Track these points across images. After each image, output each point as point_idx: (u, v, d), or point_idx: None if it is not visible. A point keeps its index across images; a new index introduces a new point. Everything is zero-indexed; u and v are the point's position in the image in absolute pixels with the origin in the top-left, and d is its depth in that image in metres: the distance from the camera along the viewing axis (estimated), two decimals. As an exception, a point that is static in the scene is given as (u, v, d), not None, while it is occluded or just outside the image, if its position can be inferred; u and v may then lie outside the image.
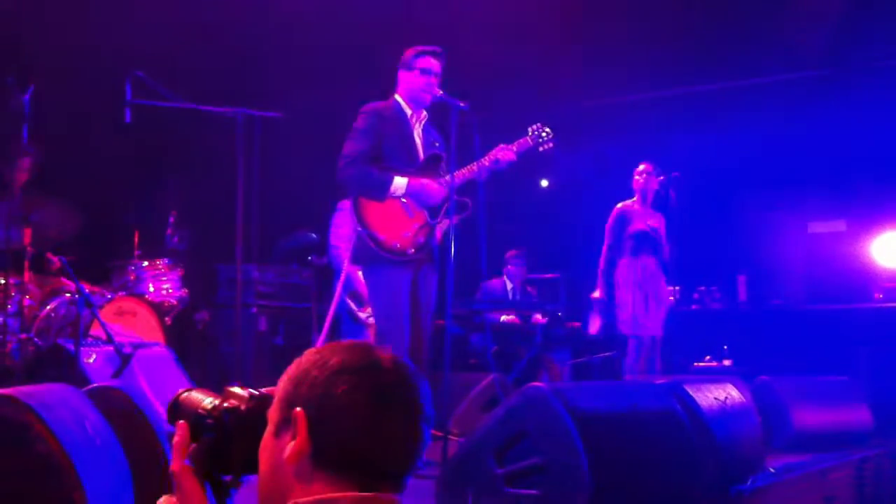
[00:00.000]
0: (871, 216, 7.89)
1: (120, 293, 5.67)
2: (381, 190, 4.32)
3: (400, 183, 4.32)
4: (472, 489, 3.07)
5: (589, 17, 7.30)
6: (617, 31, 7.49)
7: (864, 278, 7.61)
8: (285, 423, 1.29)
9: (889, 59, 7.79)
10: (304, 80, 7.24)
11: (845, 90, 7.87)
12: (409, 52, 4.52)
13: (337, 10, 6.98)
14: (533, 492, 2.92)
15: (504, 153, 4.49)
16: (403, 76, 4.51)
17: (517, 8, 7.20)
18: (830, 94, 7.96)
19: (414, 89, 4.47)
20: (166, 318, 5.79)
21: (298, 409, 1.26)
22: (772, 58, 7.97)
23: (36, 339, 5.00)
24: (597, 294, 6.53)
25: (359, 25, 7.02)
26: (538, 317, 7.69)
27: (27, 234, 5.06)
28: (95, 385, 2.65)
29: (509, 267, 8.02)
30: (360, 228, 4.30)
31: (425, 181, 4.38)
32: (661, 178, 6.43)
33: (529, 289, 8.21)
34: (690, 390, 3.54)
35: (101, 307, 5.21)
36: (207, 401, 1.46)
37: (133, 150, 6.75)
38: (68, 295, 5.29)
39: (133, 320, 5.53)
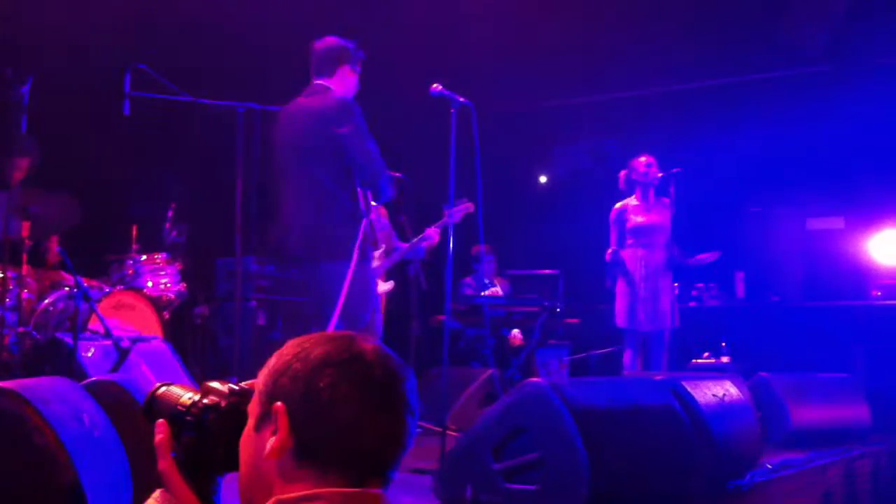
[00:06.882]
0: (870, 213, 7.88)
1: (118, 287, 5.66)
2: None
3: None
4: (471, 484, 3.07)
5: (588, 13, 7.29)
6: (617, 27, 7.48)
7: (863, 275, 7.61)
8: (266, 417, 1.24)
9: (888, 56, 7.78)
10: (305, 74, 7.22)
11: (844, 87, 7.86)
12: (348, 46, 4.31)
13: (337, 5, 6.97)
14: (531, 487, 2.92)
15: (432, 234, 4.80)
16: (348, 73, 4.32)
17: (518, 2, 7.20)
18: (830, 91, 7.96)
19: (352, 89, 4.34)
20: (164, 313, 5.78)
21: (279, 403, 1.22)
22: (771, 54, 7.96)
23: (34, 333, 4.99)
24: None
25: (358, 20, 7.00)
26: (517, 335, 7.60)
27: (25, 227, 5.03)
28: (93, 379, 2.65)
29: (483, 264, 8.03)
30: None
31: None
32: (661, 173, 6.32)
33: (499, 282, 8.24)
34: (688, 387, 3.54)
35: (100, 301, 5.20)
36: (186, 396, 1.41)
37: (132, 143, 6.73)
38: (67, 289, 5.27)
39: (131, 314, 5.52)
